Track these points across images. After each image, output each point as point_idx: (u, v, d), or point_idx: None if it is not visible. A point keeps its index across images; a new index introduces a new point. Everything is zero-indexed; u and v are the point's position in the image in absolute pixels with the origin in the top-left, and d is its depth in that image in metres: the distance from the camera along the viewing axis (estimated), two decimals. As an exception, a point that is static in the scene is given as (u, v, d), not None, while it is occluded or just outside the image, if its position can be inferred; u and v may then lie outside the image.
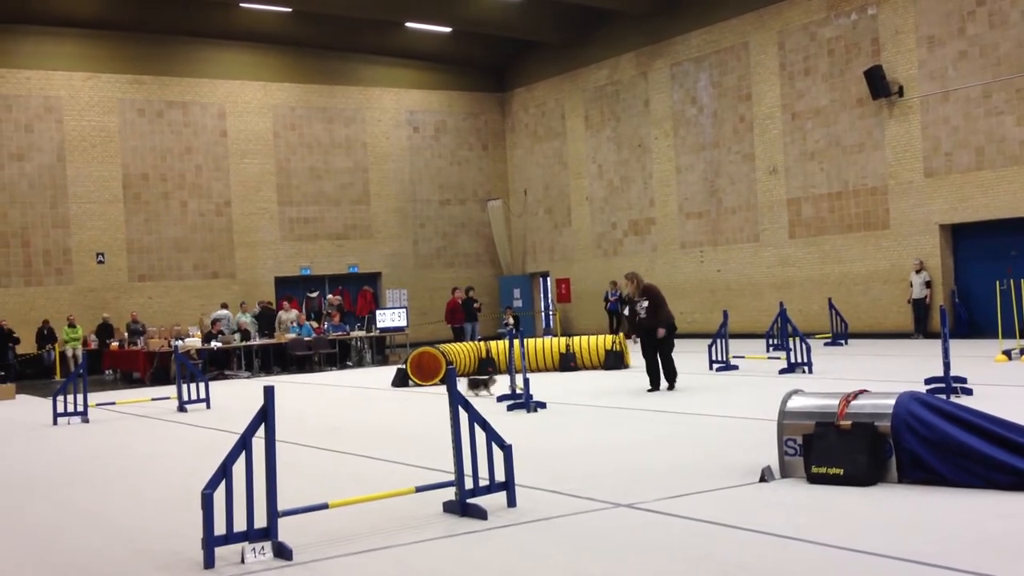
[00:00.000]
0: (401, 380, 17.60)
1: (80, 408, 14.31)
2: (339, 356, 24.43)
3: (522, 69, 33.52)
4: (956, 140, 21.87)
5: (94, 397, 15.53)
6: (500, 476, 6.95)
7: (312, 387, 18.67)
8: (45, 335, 25.58)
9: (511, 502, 6.91)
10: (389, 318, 25.86)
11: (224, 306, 25.87)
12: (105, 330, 26.09)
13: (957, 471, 6.70)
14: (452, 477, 6.85)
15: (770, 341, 20.04)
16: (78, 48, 27.75)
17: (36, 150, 27.13)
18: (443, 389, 8.73)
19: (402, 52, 32.05)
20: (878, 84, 22.81)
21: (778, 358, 17.11)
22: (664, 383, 14.11)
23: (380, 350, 25.90)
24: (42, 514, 7.82)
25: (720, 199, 27.13)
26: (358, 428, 12.15)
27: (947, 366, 11.33)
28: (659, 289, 14.28)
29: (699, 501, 6.82)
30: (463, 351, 18.90)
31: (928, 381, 11.63)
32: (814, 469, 7.05)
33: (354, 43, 31.17)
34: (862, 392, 7.37)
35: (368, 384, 18.69)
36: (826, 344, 20.93)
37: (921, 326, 22.31)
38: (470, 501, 6.74)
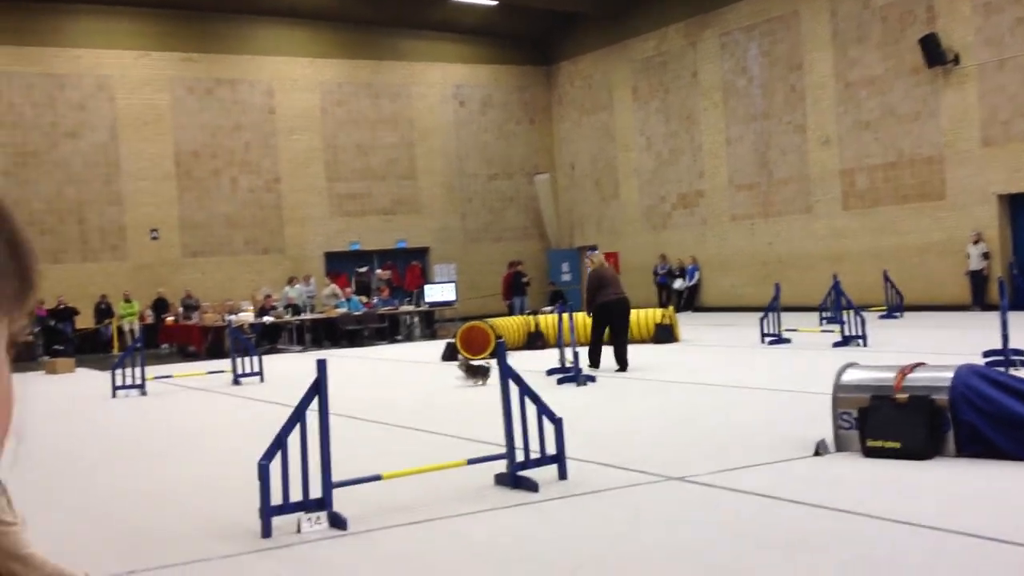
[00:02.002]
0: (450, 354, 17.68)
1: (138, 381, 14.55)
2: (389, 331, 24.59)
3: (568, 41, 33.28)
4: (1014, 108, 21.37)
5: (151, 370, 15.78)
6: (551, 449, 6.96)
7: (362, 361, 18.83)
8: (103, 310, 26.04)
9: (562, 475, 6.91)
10: (438, 292, 25.97)
11: (290, 280, 25.79)
12: (160, 305, 26.49)
13: (1016, 444, 6.59)
14: (503, 450, 6.87)
15: (823, 314, 19.81)
16: (129, 26, 28.03)
17: (89, 128, 27.50)
18: (493, 363, 8.82)
19: (448, 26, 31.98)
20: (933, 52, 22.33)
21: (831, 331, 16.91)
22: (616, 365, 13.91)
23: (429, 324, 26.03)
24: (103, 486, 7.99)
25: (771, 170, 26.81)
26: (408, 401, 12.23)
27: (1006, 338, 11.13)
28: (599, 277, 14.16)
29: (752, 474, 6.78)
30: (512, 325, 18.93)
31: (986, 354, 11.42)
32: (870, 442, 6.97)
33: (400, 18, 31.14)
34: (919, 365, 7.26)
35: (417, 358, 18.80)
36: (881, 317, 20.63)
37: (978, 298, 21.90)
38: (521, 474, 6.76)
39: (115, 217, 27.70)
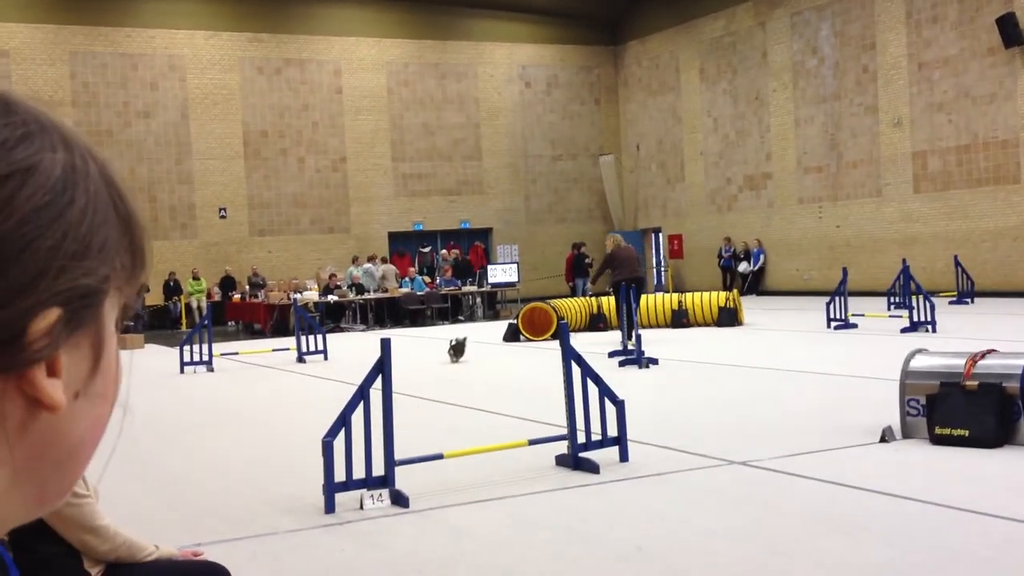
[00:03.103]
0: (512, 335, 17.72)
1: (205, 358, 14.82)
2: (451, 311, 24.71)
3: (636, 21, 32.98)
4: (1096, 89, 20.71)
5: (218, 347, 16.05)
6: (612, 431, 6.95)
7: (424, 340, 18.95)
8: (171, 287, 26.56)
9: (623, 457, 6.90)
10: (500, 273, 26.01)
11: (370, 259, 26.10)
12: (227, 283, 26.93)
13: (1092, 435, 6.42)
14: (564, 431, 6.88)
15: (892, 299, 19.46)
16: (200, 7, 28.43)
17: (161, 108, 27.98)
18: (555, 344, 8.74)
19: (514, 6, 31.88)
20: (1011, 32, 21.70)
21: (900, 316, 16.61)
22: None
23: (491, 305, 26.10)
24: (172, 459, 8.16)
25: (841, 153, 26.34)
26: (470, 381, 12.29)
27: (1082, 327, 10.83)
28: (612, 257, 15.19)
29: (817, 460, 6.70)
30: (574, 307, 18.91)
31: (1061, 342, 11.13)
32: (938, 430, 6.85)
33: (467, -2, 31.14)
34: (990, 352, 7.11)
35: (479, 338, 18.85)
36: (951, 303, 20.22)
37: (1053, 285, 21.35)
38: (582, 455, 6.76)
39: (185, 196, 28.19)
